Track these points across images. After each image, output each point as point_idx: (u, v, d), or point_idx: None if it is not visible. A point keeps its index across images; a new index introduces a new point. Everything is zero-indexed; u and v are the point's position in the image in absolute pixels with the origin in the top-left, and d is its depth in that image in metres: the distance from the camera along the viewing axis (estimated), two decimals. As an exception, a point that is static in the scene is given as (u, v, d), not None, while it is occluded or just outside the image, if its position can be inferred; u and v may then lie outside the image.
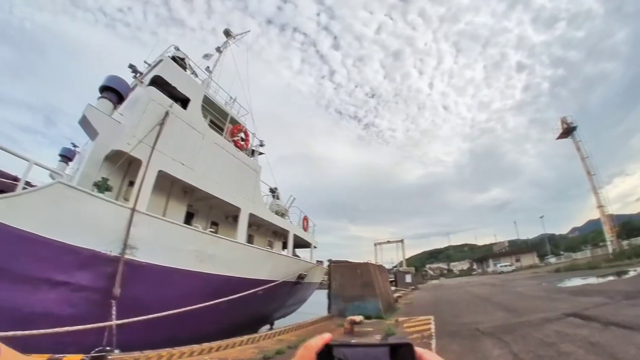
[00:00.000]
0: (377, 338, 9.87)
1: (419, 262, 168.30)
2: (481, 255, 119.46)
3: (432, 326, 11.22)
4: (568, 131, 51.68)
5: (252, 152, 18.47)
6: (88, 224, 8.70)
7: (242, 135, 16.84)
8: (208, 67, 18.92)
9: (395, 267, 68.12)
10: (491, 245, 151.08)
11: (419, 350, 0.67)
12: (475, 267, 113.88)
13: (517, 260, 79.49)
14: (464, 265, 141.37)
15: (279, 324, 17.59)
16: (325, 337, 0.70)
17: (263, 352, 8.60)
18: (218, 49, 20.25)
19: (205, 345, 8.86)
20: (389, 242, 69.97)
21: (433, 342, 8.78)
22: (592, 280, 21.52)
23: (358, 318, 11.41)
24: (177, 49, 15.31)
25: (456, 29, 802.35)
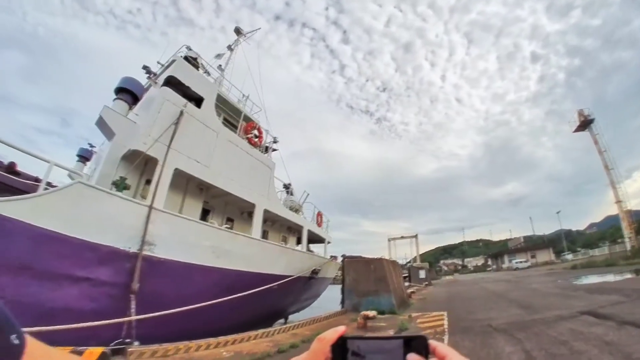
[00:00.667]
0: (390, 333, 9.94)
1: (433, 258, 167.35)
2: (496, 251, 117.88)
3: (445, 322, 11.23)
4: (585, 124, 50.66)
5: (266, 149, 18.62)
6: (107, 221, 9.01)
7: (256, 132, 17.02)
8: (220, 65, 19.05)
9: (409, 262, 67.98)
10: (506, 240, 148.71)
11: (432, 343, 0.67)
12: (490, 263, 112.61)
13: (533, 257, 78.24)
14: (479, 261, 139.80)
15: (293, 318, 17.78)
16: (339, 330, 0.70)
17: (278, 346, 8.74)
18: (229, 47, 20.36)
19: (221, 338, 9.04)
20: (402, 237, 69.87)
21: (446, 337, 8.81)
22: (609, 277, 21.21)
23: (371, 313, 11.48)
24: (189, 48, 15.48)
25: (467, 20, 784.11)
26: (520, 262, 71.28)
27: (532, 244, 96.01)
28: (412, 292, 25.26)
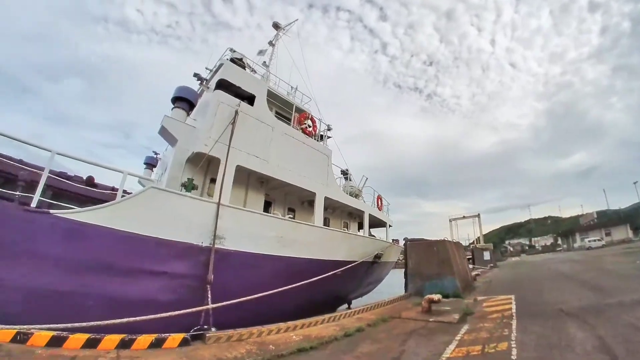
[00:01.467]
0: (455, 317, 9.96)
1: (497, 238, 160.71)
2: (566, 229, 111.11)
3: (513, 306, 11.01)
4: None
5: (321, 137, 18.88)
6: (180, 220, 9.92)
7: (309, 122, 17.31)
8: (264, 62, 19.51)
9: (471, 243, 66.21)
10: (577, 217, 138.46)
11: None
12: (559, 242, 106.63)
13: (607, 234, 71.93)
14: (547, 240, 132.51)
15: (356, 303, 18.10)
16: None
17: (344, 330, 9.04)
18: (270, 43, 20.70)
19: (291, 323, 9.52)
20: (464, 217, 67.32)
21: (514, 322, 8.64)
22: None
23: (436, 297, 11.38)
24: (233, 50, 16.01)
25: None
26: (593, 240, 66.27)
27: (607, 220, 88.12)
28: (477, 275, 24.80)
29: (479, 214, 64.58)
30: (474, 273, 24.57)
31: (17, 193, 8.92)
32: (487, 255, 43.64)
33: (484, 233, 67.44)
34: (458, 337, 7.75)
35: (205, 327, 8.69)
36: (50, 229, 8.06)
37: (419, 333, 8.58)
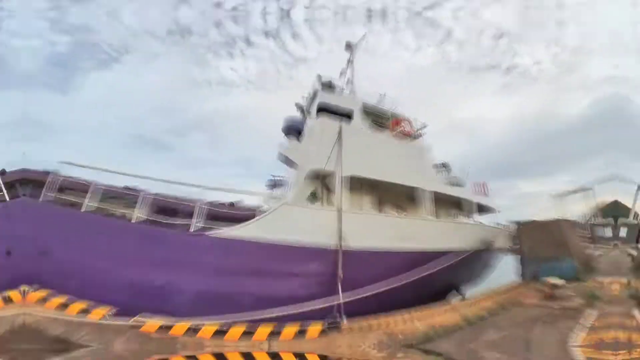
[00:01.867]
0: (580, 302, 9.78)
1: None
2: None
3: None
4: None
5: (417, 136, 19.39)
6: (310, 227, 12.06)
7: (404, 124, 18.35)
8: (348, 79, 20.51)
9: (587, 220, 60.41)
10: None
11: None
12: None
13: None
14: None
15: (470, 292, 18.07)
16: None
17: (466, 319, 9.63)
18: (348, 61, 21.21)
19: (414, 313, 10.43)
20: (573, 192, 61.50)
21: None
22: None
23: (560, 282, 11.28)
24: (321, 77, 17.70)
25: None
26: None
27: None
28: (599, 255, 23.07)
29: (591, 187, 58.51)
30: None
31: (179, 221, 11.44)
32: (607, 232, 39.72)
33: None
34: (588, 324, 7.71)
35: (338, 318, 9.97)
36: (207, 245, 10.88)
37: (544, 320, 8.60)
